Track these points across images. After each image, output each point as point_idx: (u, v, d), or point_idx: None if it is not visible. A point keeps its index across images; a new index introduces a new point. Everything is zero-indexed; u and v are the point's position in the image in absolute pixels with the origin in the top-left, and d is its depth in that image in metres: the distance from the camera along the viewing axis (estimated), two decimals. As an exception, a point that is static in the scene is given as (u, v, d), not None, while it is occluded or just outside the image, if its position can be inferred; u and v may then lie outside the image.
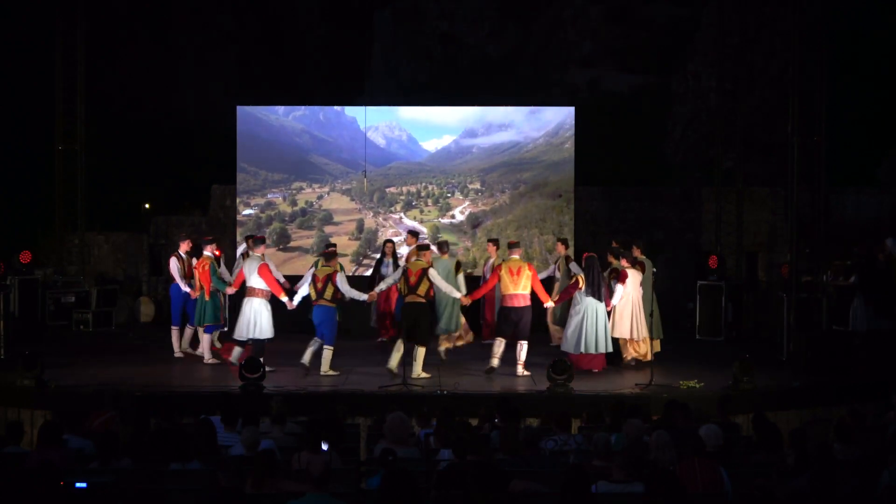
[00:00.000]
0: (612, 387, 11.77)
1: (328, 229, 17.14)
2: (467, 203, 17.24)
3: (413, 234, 15.22)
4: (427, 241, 15.07)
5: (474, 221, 17.14)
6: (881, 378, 11.81)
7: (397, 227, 17.18)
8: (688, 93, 25.53)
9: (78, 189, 16.79)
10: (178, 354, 13.72)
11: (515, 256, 12.51)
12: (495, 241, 14.77)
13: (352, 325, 14.91)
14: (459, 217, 17.22)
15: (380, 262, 15.34)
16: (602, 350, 12.72)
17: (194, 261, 13.61)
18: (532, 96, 23.78)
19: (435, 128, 17.60)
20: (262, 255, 12.67)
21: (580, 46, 28.63)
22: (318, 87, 24.63)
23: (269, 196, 17.26)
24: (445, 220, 17.18)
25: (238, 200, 17.21)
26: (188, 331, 13.89)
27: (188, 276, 13.62)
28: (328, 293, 12.19)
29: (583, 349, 12.63)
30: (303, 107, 17.95)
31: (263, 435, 8.07)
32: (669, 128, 25.57)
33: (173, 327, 13.81)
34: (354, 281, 14.08)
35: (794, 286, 13.89)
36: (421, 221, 17.25)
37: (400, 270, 12.51)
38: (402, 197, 17.32)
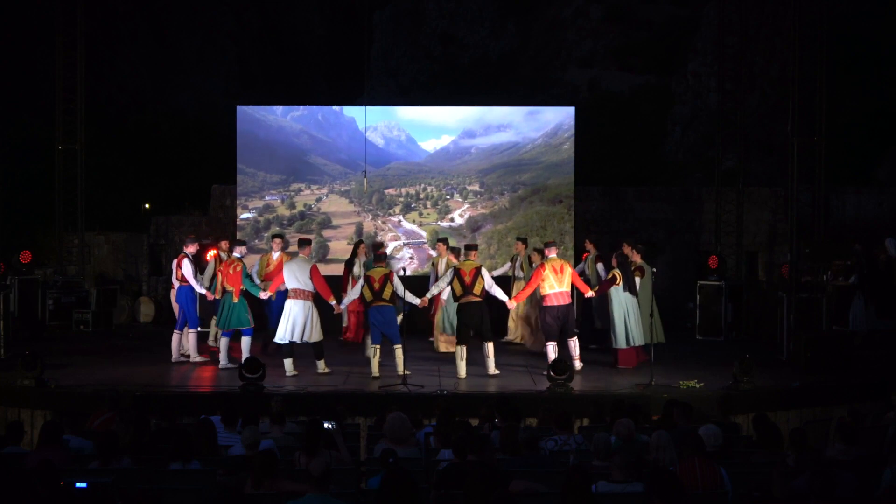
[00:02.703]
0: (612, 387, 11.79)
1: (326, 233, 17.04)
2: (466, 206, 17.17)
3: (278, 234, 14.64)
4: (472, 243, 13.95)
5: (474, 225, 17.05)
6: (881, 378, 11.82)
7: (396, 231, 17.10)
8: (688, 93, 25.55)
9: (78, 189, 16.78)
10: (196, 359, 13.12)
11: (554, 255, 12.65)
12: (444, 241, 14.58)
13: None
14: (459, 220, 17.14)
15: (351, 263, 14.60)
16: (639, 343, 13.06)
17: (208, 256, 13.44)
18: (532, 96, 23.78)
19: (433, 128, 17.56)
20: (310, 256, 12.70)
21: (580, 46, 28.67)
22: (318, 87, 24.64)
23: (267, 198, 17.17)
24: (445, 224, 17.09)
25: (236, 203, 17.16)
26: (192, 335, 13.15)
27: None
28: (386, 293, 12.09)
29: (632, 342, 13.00)
30: (301, 107, 17.89)
31: (263, 435, 8.07)
32: (669, 128, 25.59)
33: (190, 331, 13.07)
34: (331, 281, 13.39)
35: (794, 286, 13.88)
36: (420, 224, 17.18)
37: (451, 272, 12.42)
38: (401, 199, 17.23)
